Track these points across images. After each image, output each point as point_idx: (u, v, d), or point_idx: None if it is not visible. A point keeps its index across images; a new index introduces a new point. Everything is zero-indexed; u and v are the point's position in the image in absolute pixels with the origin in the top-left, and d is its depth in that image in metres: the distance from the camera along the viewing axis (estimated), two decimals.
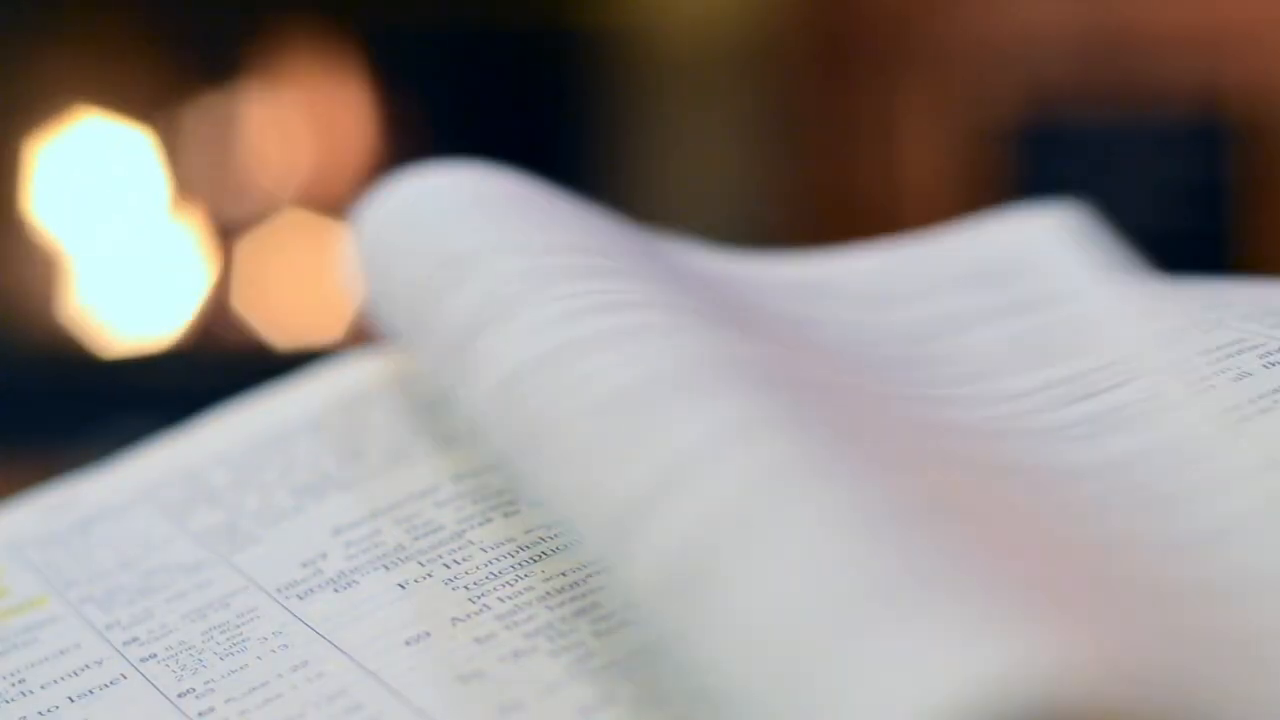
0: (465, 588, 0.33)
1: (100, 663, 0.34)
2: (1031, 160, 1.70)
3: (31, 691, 0.33)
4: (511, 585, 0.33)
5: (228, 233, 1.71)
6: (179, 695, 0.33)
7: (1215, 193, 1.67)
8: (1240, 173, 1.66)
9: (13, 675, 0.34)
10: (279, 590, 0.35)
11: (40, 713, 0.33)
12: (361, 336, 1.66)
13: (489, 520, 0.35)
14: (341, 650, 0.32)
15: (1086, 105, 1.69)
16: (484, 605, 0.32)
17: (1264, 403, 0.32)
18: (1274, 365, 0.34)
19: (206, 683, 0.33)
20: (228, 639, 0.34)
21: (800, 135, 1.76)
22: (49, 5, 1.70)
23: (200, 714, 0.32)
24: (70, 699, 0.33)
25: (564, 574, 0.32)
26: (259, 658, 0.33)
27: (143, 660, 0.34)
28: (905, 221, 1.76)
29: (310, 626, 0.33)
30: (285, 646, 0.33)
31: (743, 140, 1.74)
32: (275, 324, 1.71)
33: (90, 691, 0.33)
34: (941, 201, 1.72)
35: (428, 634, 0.32)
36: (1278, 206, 1.66)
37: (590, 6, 1.75)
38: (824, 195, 1.77)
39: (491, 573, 0.33)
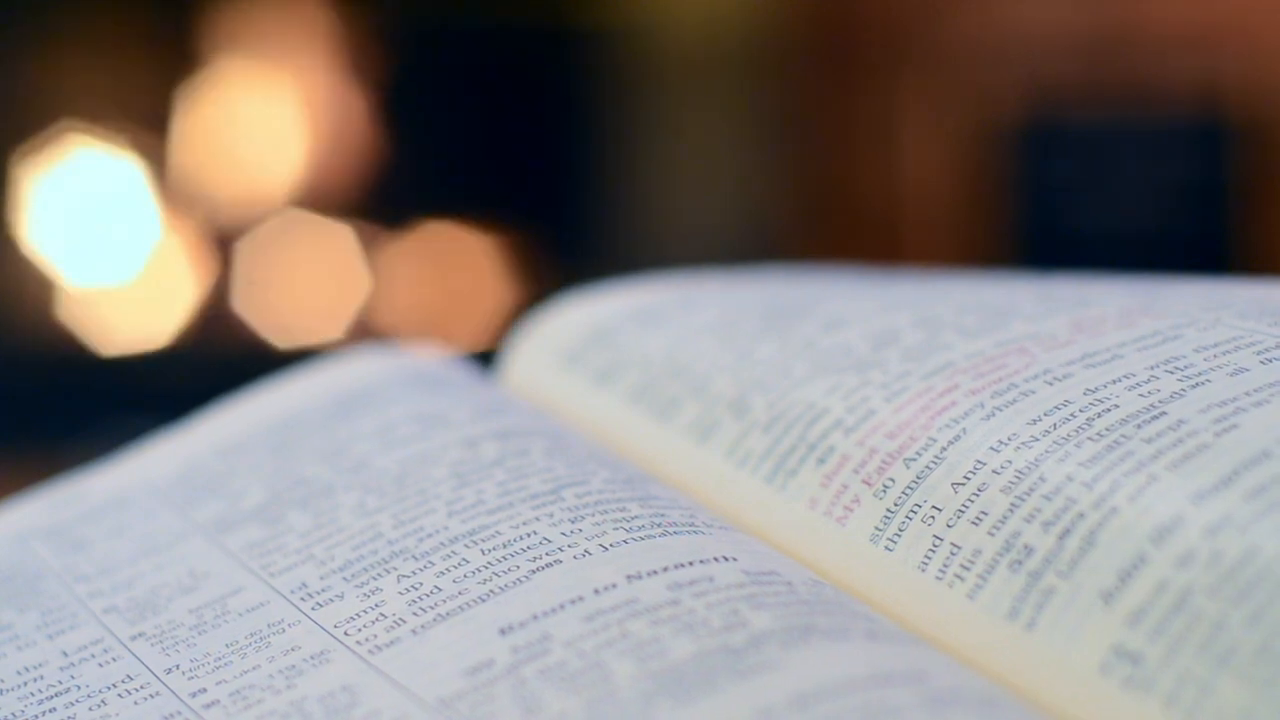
0: (466, 576, 0.33)
1: (108, 651, 0.34)
2: (1031, 160, 1.70)
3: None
4: (524, 583, 0.33)
5: (227, 233, 1.71)
6: (166, 671, 0.33)
7: (1215, 193, 1.67)
8: (1240, 173, 1.66)
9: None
10: (291, 591, 0.35)
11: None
12: (361, 335, 1.66)
13: (483, 527, 0.35)
14: (327, 631, 0.33)
15: (1087, 105, 1.69)
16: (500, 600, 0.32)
17: (1259, 396, 0.33)
18: (1271, 361, 0.34)
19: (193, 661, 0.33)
20: (228, 626, 0.34)
21: (800, 135, 1.76)
22: (42, 14, 1.70)
23: (192, 694, 0.32)
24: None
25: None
26: (255, 647, 0.33)
27: (133, 639, 0.34)
28: (905, 221, 1.76)
29: (312, 620, 0.33)
30: (283, 635, 0.33)
31: (743, 140, 1.74)
32: (275, 323, 1.71)
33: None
34: (941, 201, 1.72)
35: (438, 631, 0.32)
36: (1278, 206, 1.66)
37: (590, 6, 1.75)
38: (824, 195, 1.77)
39: (496, 571, 0.33)
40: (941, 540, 0.33)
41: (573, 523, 0.34)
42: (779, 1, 1.74)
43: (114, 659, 0.34)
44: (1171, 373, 0.34)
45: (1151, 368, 0.35)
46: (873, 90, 1.74)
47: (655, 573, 0.32)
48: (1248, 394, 0.33)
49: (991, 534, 0.32)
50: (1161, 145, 1.66)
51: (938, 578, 0.32)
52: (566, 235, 1.75)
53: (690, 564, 0.32)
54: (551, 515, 0.35)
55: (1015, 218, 1.70)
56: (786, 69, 1.74)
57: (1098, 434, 0.33)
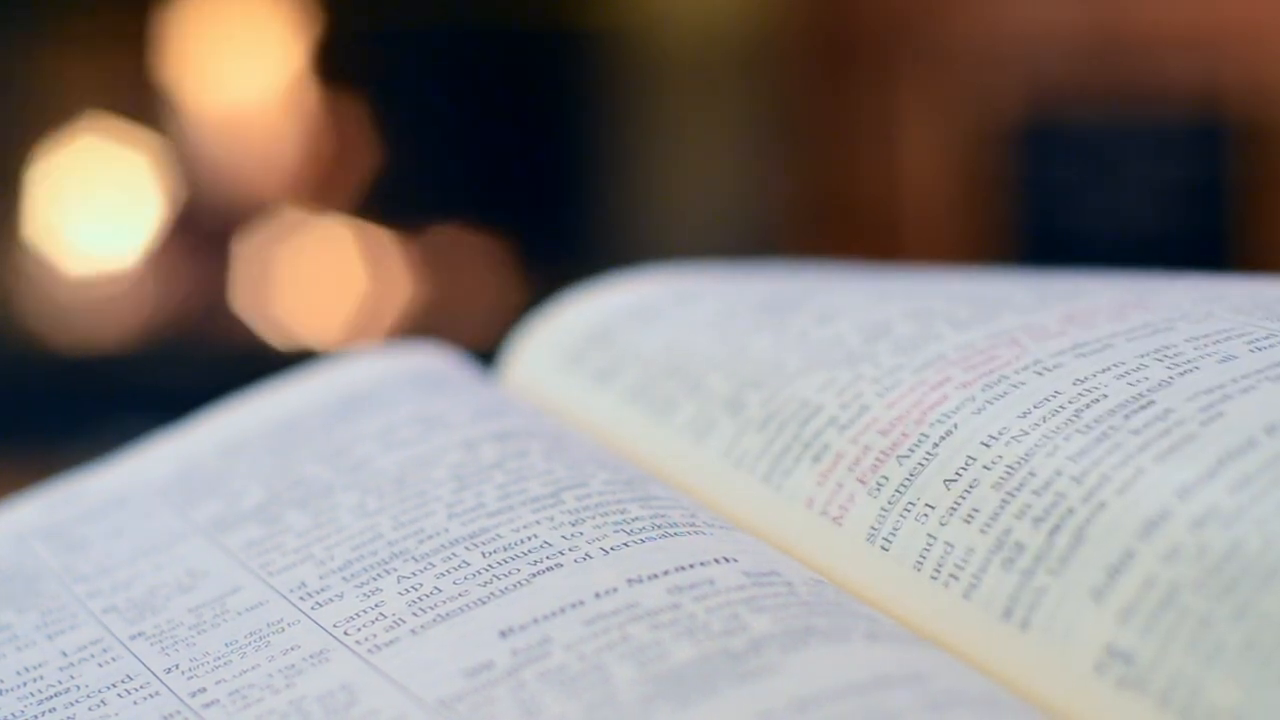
0: (466, 578, 0.33)
1: (107, 651, 0.34)
2: (1031, 160, 1.70)
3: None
4: (528, 582, 0.33)
5: (227, 232, 1.71)
6: (165, 671, 0.33)
7: (1215, 193, 1.67)
8: (1240, 173, 1.66)
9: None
10: (290, 590, 0.35)
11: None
12: (361, 335, 1.66)
13: (480, 529, 0.35)
14: (326, 630, 0.33)
15: (1086, 105, 1.69)
16: (501, 602, 0.32)
17: (1246, 383, 0.33)
18: (1260, 350, 0.34)
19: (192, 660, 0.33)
20: (228, 626, 0.34)
21: (800, 135, 1.76)
22: (45, 7, 1.71)
23: (191, 694, 0.32)
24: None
25: None
26: (255, 646, 0.33)
27: (132, 639, 0.34)
28: (905, 221, 1.76)
29: (311, 619, 0.33)
30: (283, 636, 0.33)
31: (743, 140, 1.74)
32: (275, 323, 1.71)
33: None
34: (941, 201, 1.72)
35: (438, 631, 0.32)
36: (1278, 206, 1.66)
37: (590, 6, 1.75)
38: (824, 195, 1.77)
39: (497, 574, 0.33)
40: (935, 539, 0.33)
41: (573, 526, 0.34)
42: (778, 1, 1.74)
43: (113, 659, 0.34)
44: (1161, 361, 0.34)
45: (1141, 356, 0.34)
46: (873, 90, 1.74)
47: (656, 576, 0.32)
48: (1235, 381, 0.33)
49: (983, 531, 0.32)
50: (1161, 145, 1.66)
51: (933, 578, 0.32)
52: (567, 235, 1.75)
53: (691, 567, 0.32)
54: (552, 519, 0.35)
55: (1015, 218, 1.70)
56: (786, 69, 1.74)
57: (1086, 425, 0.33)
